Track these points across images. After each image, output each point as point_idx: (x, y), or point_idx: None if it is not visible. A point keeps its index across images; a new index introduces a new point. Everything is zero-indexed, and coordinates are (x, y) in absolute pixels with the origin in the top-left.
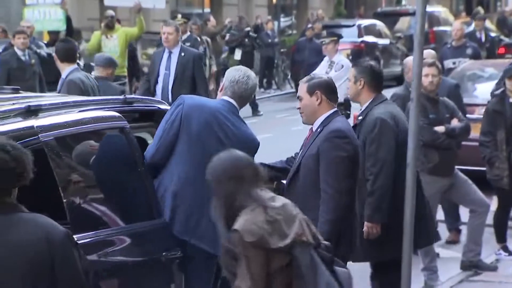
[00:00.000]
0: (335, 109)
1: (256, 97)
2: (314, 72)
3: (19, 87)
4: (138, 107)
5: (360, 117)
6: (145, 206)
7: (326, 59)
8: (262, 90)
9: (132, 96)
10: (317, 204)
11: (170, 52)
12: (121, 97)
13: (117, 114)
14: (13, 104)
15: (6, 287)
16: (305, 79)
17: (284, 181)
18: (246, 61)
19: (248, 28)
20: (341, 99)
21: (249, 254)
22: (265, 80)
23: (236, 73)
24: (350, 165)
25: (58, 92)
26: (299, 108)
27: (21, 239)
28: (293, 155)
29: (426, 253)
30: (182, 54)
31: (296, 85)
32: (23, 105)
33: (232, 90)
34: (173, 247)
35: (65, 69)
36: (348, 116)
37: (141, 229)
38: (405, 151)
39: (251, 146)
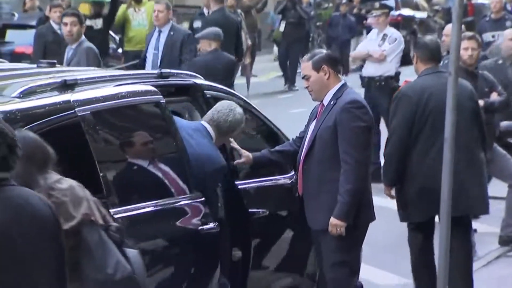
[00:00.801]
0: (343, 81)
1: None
2: (360, 45)
3: (55, 61)
4: (173, 81)
5: None
6: (182, 181)
7: (375, 31)
8: (298, 64)
9: (168, 70)
10: (334, 175)
11: (160, 31)
12: (157, 71)
13: (152, 88)
14: (50, 78)
15: (34, 266)
16: (305, 57)
17: None
18: (290, 33)
19: None
20: (392, 72)
21: None
22: (301, 54)
23: (222, 104)
24: (369, 135)
25: (70, 61)
26: (307, 87)
27: (37, 213)
28: (298, 135)
29: None
30: (172, 33)
31: None
32: (59, 79)
33: (211, 117)
34: (210, 221)
35: (81, 38)
36: (397, 88)
37: (179, 203)
38: (425, 124)
39: (210, 167)
